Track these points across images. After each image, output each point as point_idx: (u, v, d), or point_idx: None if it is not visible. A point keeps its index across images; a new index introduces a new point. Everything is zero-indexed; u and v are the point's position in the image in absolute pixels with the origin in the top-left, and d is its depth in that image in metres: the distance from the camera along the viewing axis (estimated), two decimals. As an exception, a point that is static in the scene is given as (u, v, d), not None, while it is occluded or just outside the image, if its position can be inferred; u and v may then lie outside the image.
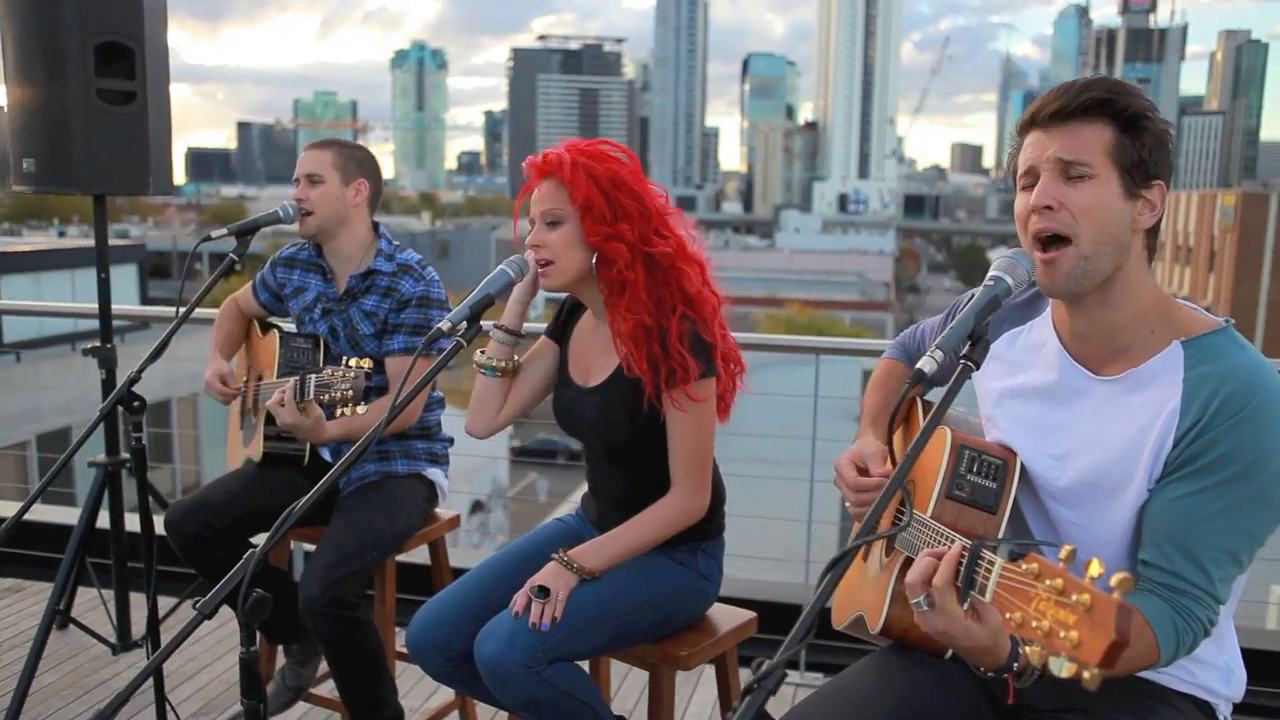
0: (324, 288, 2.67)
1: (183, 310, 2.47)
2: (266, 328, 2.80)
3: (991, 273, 1.45)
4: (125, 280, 21.30)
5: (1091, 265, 1.45)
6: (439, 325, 1.81)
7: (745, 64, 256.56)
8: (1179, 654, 1.43)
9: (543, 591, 1.94)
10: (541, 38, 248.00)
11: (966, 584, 1.25)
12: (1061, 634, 1.05)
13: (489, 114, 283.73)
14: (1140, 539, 1.49)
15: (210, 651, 3.60)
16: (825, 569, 1.25)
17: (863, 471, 1.71)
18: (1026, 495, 1.60)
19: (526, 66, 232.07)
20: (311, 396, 2.23)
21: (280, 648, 2.79)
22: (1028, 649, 1.09)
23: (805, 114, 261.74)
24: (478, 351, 2.15)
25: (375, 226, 2.68)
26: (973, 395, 1.72)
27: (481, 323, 1.87)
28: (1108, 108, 1.44)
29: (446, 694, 3.23)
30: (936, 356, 1.33)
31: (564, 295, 2.21)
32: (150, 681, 3.32)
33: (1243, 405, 1.39)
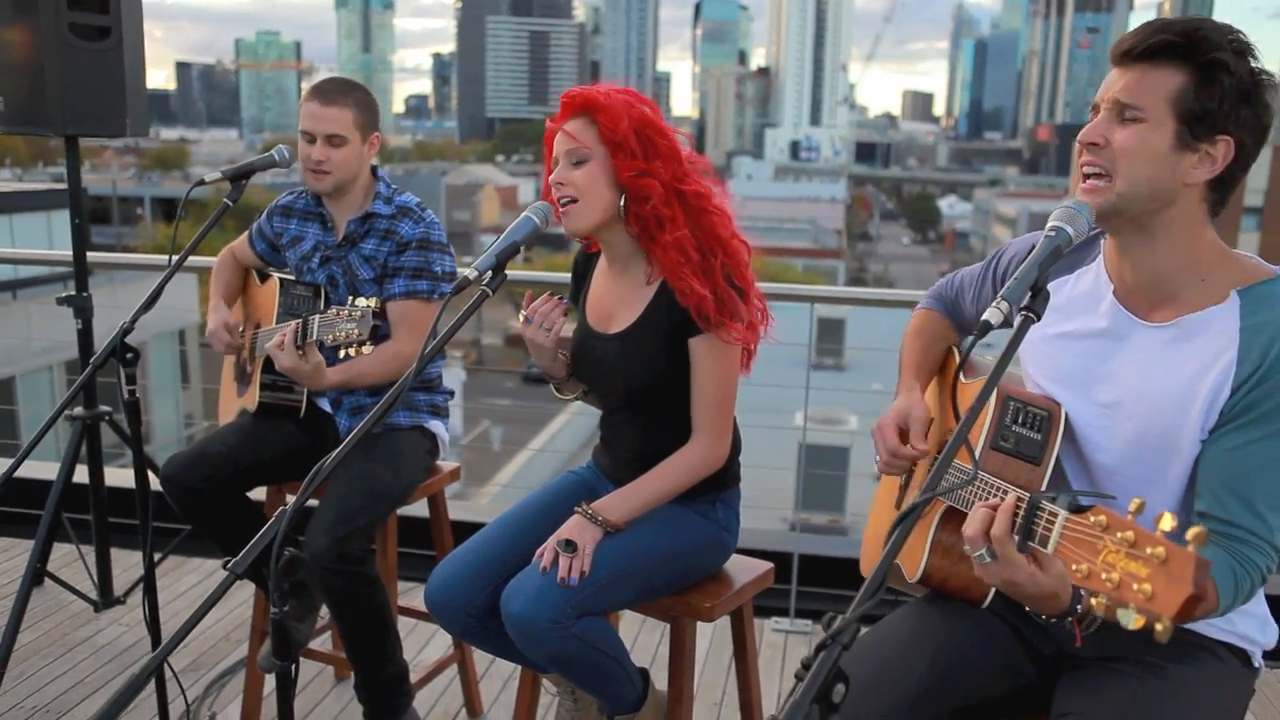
0: (323, 235, 2.59)
1: (176, 259, 2.37)
2: (265, 276, 2.72)
3: (1052, 222, 1.42)
4: (64, 226, 20.72)
5: (1123, 203, 1.45)
6: (465, 273, 1.76)
7: (698, 8, 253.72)
8: (1237, 602, 1.44)
9: (569, 546, 1.92)
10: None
11: (1025, 535, 1.25)
12: (1135, 586, 1.05)
13: (437, 56, 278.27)
14: (1193, 491, 1.49)
15: (192, 608, 3.54)
16: (894, 523, 1.23)
17: (904, 434, 1.70)
18: (1069, 448, 1.59)
19: (475, 8, 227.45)
20: (315, 338, 2.17)
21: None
22: (1094, 600, 1.09)
23: (758, 60, 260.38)
24: (554, 388, 2.20)
25: (374, 169, 2.60)
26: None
27: (507, 272, 1.82)
28: (1181, 51, 1.41)
29: (443, 648, 3.22)
30: (1003, 308, 1.31)
31: (574, 259, 2.20)
32: (140, 640, 3.29)
33: None
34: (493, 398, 30.85)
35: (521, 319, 2.07)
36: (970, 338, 1.34)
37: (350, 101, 2.48)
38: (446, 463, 2.74)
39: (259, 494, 2.63)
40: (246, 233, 2.76)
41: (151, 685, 2.58)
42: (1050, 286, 1.64)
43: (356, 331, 2.08)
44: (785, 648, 3.38)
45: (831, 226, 73.78)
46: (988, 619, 1.64)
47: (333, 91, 2.48)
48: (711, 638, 3.34)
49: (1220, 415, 1.45)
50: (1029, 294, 1.36)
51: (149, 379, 18.88)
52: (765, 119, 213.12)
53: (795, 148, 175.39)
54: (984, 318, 1.31)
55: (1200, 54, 1.40)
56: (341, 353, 2.11)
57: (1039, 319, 1.36)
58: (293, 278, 2.63)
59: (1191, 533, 1.01)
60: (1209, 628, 1.56)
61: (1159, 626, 1.03)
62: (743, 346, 2.03)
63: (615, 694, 2.03)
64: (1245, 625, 1.58)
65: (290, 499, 2.70)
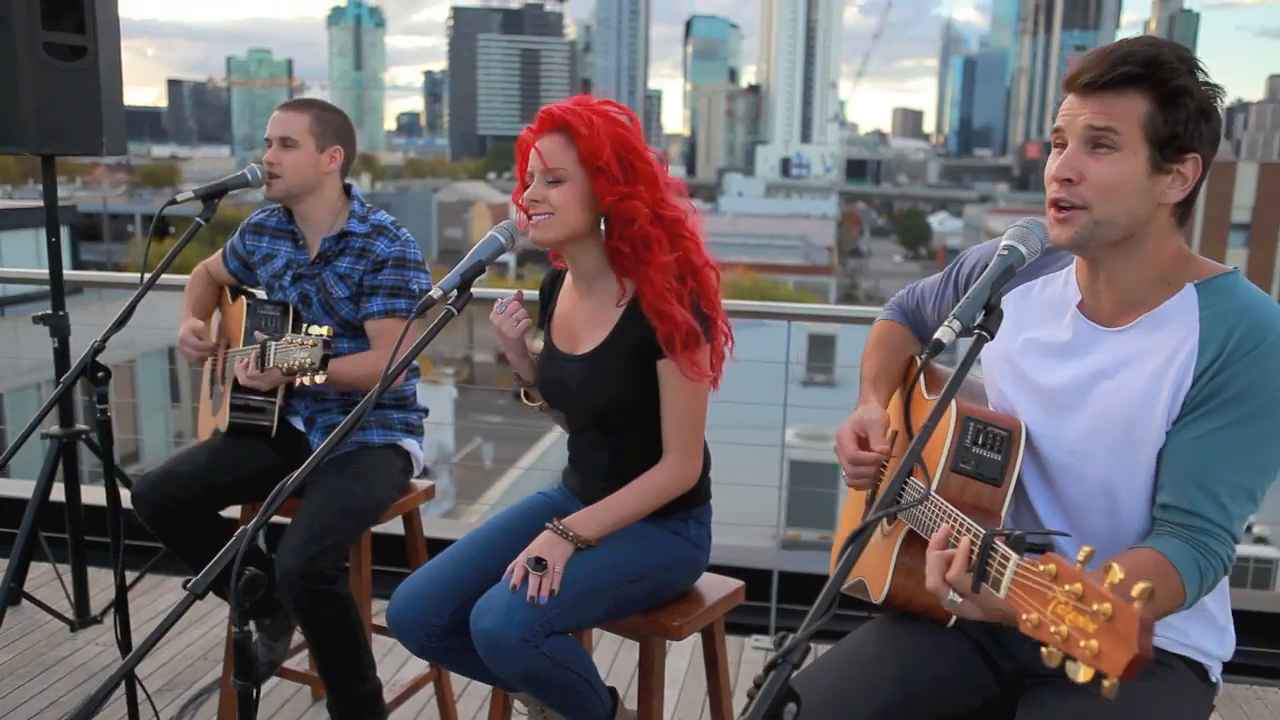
0: (294, 254, 2.60)
1: (148, 276, 2.37)
2: (237, 294, 2.71)
3: (1005, 241, 1.44)
4: (26, 240, 20.70)
5: (1101, 230, 1.45)
6: (430, 293, 1.76)
7: (688, 26, 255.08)
8: (1201, 593, 1.44)
9: (539, 563, 1.91)
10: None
11: (979, 575, 1.24)
12: (1082, 642, 1.03)
13: (429, 74, 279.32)
14: (1160, 481, 1.49)
15: (174, 627, 3.52)
16: (845, 543, 1.24)
17: (863, 443, 1.69)
18: (1028, 458, 1.59)
19: (467, 26, 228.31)
20: (272, 364, 2.18)
21: (253, 623, 2.73)
22: (1044, 650, 1.07)
23: (748, 77, 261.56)
24: (523, 394, 2.22)
25: (347, 189, 2.61)
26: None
27: (472, 290, 1.82)
28: (1145, 80, 1.41)
29: (420, 666, 3.20)
30: (954, 326, 1.32)
31: (541, 282, 2.21)
32: (116, 660, 3.27)
33: (1260, 340, 1.42)
34: (485, 415, 30.77)
35: (495, 306, 2.08)
36: (925, 354, 1.34)
37: (308, 111, 2.52)
38: (421, 480, 2.73)
39: (234, 512, 2.62)
40: (221, 250, 2.76)
41: (124, 706, 2.56)
42: (1018, 290, 1.65)
43: (309, 360, 2.08)
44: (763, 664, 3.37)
45: (822, 243, 74.00)
46: (952, 636, 1.64)
47: (295, 102, 2.55)
48: (690, 657, 3.32)
49: (1183, 405, 1.46)
50: (982, 312, 1.37)
51: (139, 396, 18.83)
52: (756, 136, 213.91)
53: (786, 165, 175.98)
54: (936, 336, 1.32)
55: (1164, 81, 1.41)
56: (297, 380, 2.11)
57: (992, 337, 1.37)
58: (261, 296, 2.63)
59: (1137, 589, 1.00)
60: (1166, 641, 1.56)
61: (1106, 683, 1.02)
62: (710, 368, 2.02)
63: (584, 713, 2.02)
64: (1201, 638, 1.58)
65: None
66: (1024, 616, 1.10)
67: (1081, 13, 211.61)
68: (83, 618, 3.31)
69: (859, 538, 1.24)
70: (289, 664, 2.84)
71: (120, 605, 2.40)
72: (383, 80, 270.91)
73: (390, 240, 2.52)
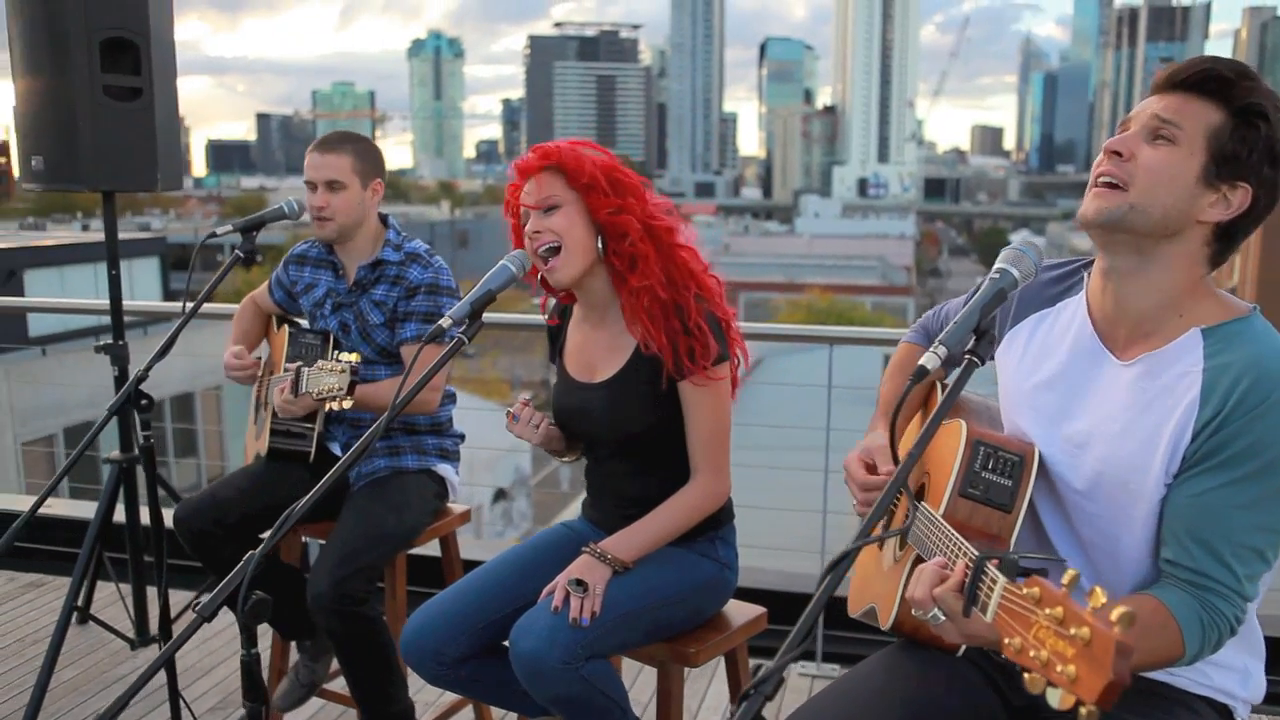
0: (334, 283, 2.67)
1: (190, 306, 2.46)
2: (282, 322, 2.79)
3: (998, 265, 1.41)
4: (147, 274, 21.47)
5: (1134, 216, 1.41)
6: (440, 322, 1.80)
7: (763, 48, 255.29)
8: (1204, 652, 1.39)
9: (580, 585, 1.92)
10: (558, 25, 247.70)
11: (970, 599, 1.21)
12: (1059, 667, 1.00)
13: (506, 102, 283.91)
14: (1162, 536, 1.44)
15: (228, 646, 3.61)
16: (825, 570, 1.23)
17: (871, 469, 1.67)
18: (1044, 489, 1.56)
19: (544, 54, 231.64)
20: (305, 390, 2.24)
21: (294, 644, 2.79)
22: (1027, 676, 1.05)
23: (824, 98, 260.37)
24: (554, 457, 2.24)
25: (384, 218, 2.66)
26: (992, 375, 1.69)
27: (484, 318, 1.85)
28: (1225, 90, 1.39)
29: (460, 688, 3.23)
30: (940, 353, 1.30)
31: (549, 313, 2.24)
32: (165, 677, 3.36)
33: (1265, 396, 1.35)
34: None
35: (509, 417, 2.11)
36: (910, 381, 1.32)
37: (348, 149, 2.56)
38: (458, 505, 2.77)
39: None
40: (267, 281, 2.85)
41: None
42: (1031, 320, 1.62)
43: (338, 385, 2.13)
44: (810, 692, 3.32)
45: (900, 263, 73.05)
46: (962, 666, 1.60)
47: (332, 141, 2.58)
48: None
49: (1183, 460, 1.41)
50: (973, 337, 1.35)
51: (224, 423, 19.39)
52: (832, 157, 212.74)
53: (863, 185, 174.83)
54: (920, 362, 1.30)
55: (1244, 97, 1.39)
56: (326, 405, 2.16)
57: (983, 363, 1.35)
58: (303, 325, 2.70)
59: (1116, 613, 0.97)
60: (1184, 680, 1.51)
61: (1083, 710, 0.99)
62: (728, 380, 2.03)
63: None
64: (1222, 679, 1.52)
65: (306, 540, 2.78)
66: (1006, 641, 1.08)
67: (1167, 24, 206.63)
68: (142, 636, 3.41)
69: (839, 565, 1.23)
70: (331, 686, 2.89)
71: (163, 623, 2.47)
72: (462, 109, 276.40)
73: (423, 268, 2.57)
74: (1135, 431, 1.44)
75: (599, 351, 2.10)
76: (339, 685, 2.98)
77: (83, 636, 3.70)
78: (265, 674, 3.04)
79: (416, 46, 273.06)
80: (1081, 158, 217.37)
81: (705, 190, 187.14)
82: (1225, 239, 1.44)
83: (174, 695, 2.55)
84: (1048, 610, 1.02)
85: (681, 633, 2.07)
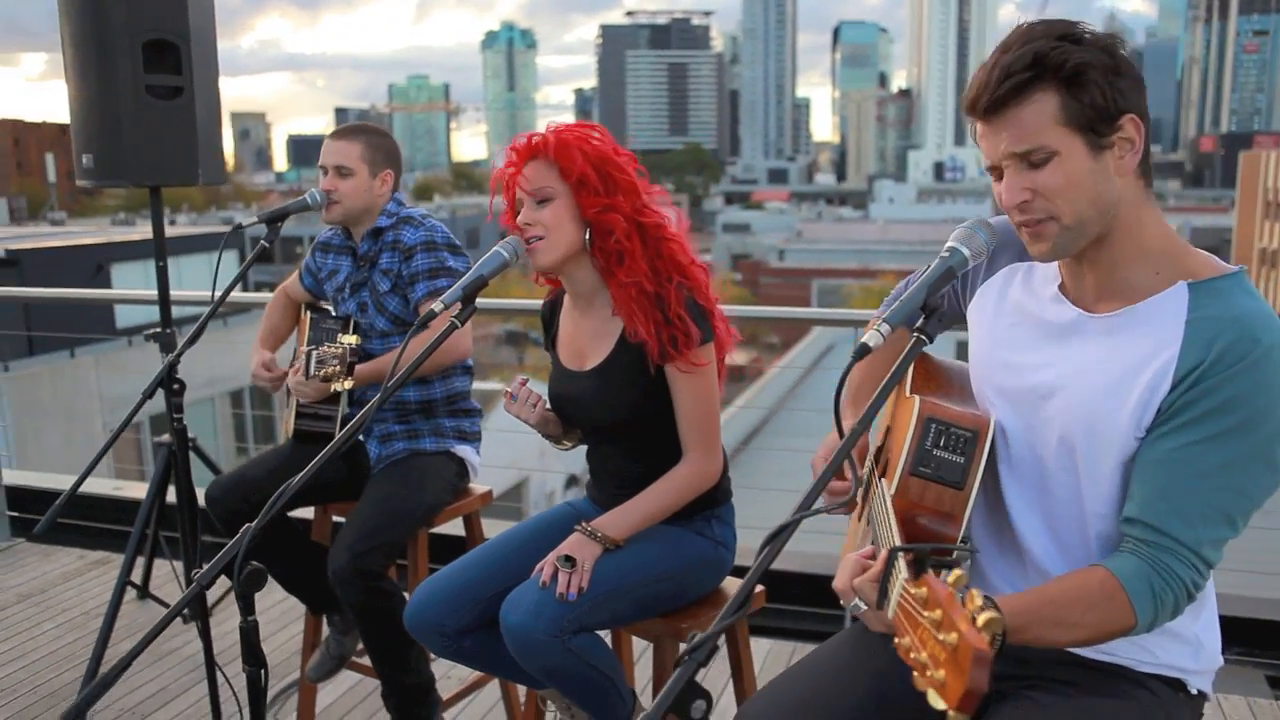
0: (353, 269, 2.75)
1: (217, 296, 2.57)
2: (310, 309, 2.89)
3: (948, 243, 1.41)
4: (229, 265, 22.08)
5: (1077, 232, 1.39)
6: (432, 306, 1.85)
7: (836, 32, 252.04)
8: (1160, 618, 1.36)
9: (569, 561, 1.98)
10: (630, 13, 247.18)
11: (881, 592, 1.22)
12: (929, 671, 1.01)
13: (579, 92, 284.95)
14: (1129, 493, 1.40)
15: (275, 621, 3.75)
16: (763, 542, 1.26)
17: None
18: (1010, 465, 1.55)
19: (615, 43, 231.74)
20: (313, 373, 2.34)
21: (324, 619, 2.89)
22: (914, 676, 1.04)
23: (899, 81, 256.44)
24: (553, 444, 2.29)
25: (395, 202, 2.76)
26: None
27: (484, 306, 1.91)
28: (1039, 79, 1.34)
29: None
30: (883, 330, 1.30)
31: (542, 303, 2.29)
32: (227, 651, 3.50)
33: (1247, 352, 1.31)
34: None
35: (506, 396, 2.17)
36: (851, 359, 1.34)
37: (360, 139, 2.66)
38: (479, 486, 2.84)
39: (308, 513, 2.79)
40: (298, 269, 2.95)
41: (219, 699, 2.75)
42: (1003, 273, 1.60)
43: (337, 367, 2.22)
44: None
45: (977, 247, 71.52)
46: (931, 642, 1.62)
47: (346, 131, 2.69)
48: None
49: (1158, 412, 1.37)
50: (921, 315, 1.36)
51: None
52: (907, 141, 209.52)
53: (939, 169, 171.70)
54: (863, 340, 1.31)
55: (1053, 68, 1.33)
56: (331, 385, 2.25)
57: (931, 340, 1.36)
58: (324, 311, 2.80)
59: (983, 619, 0.98)
60: (1134, 661, 1.49)
61: (950, 715, 0.98)
62: (713, 365, 2.07)
63: (606, 710, 2.07)
64: (1171, 655, 1.50)
65: (335, 518, 2.87)
66: (898, 640, 1.08)
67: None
68: (193, 609, 3.56)
69: (775, 539, 1.26)
70: (367, 661, 2.99)
71: (199, 600, 2.59)
72: (535, 100, 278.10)
73: (414, 228, 2.65)
74: (1106, 378, 1.41)
75: (586, 339, 2.15)
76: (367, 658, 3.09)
77: (143, 611, 3.88)
78: (300, 647, 3.16)
79: (490, 39, 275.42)
80: (1169, 138, 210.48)
81: (778, 177, 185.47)
82: (1143, 159, 1.40)
83: (210, 663, 2.66)
84: (927, 613, 1.02)
85: (676, 609, 2.11)
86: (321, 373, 2.25)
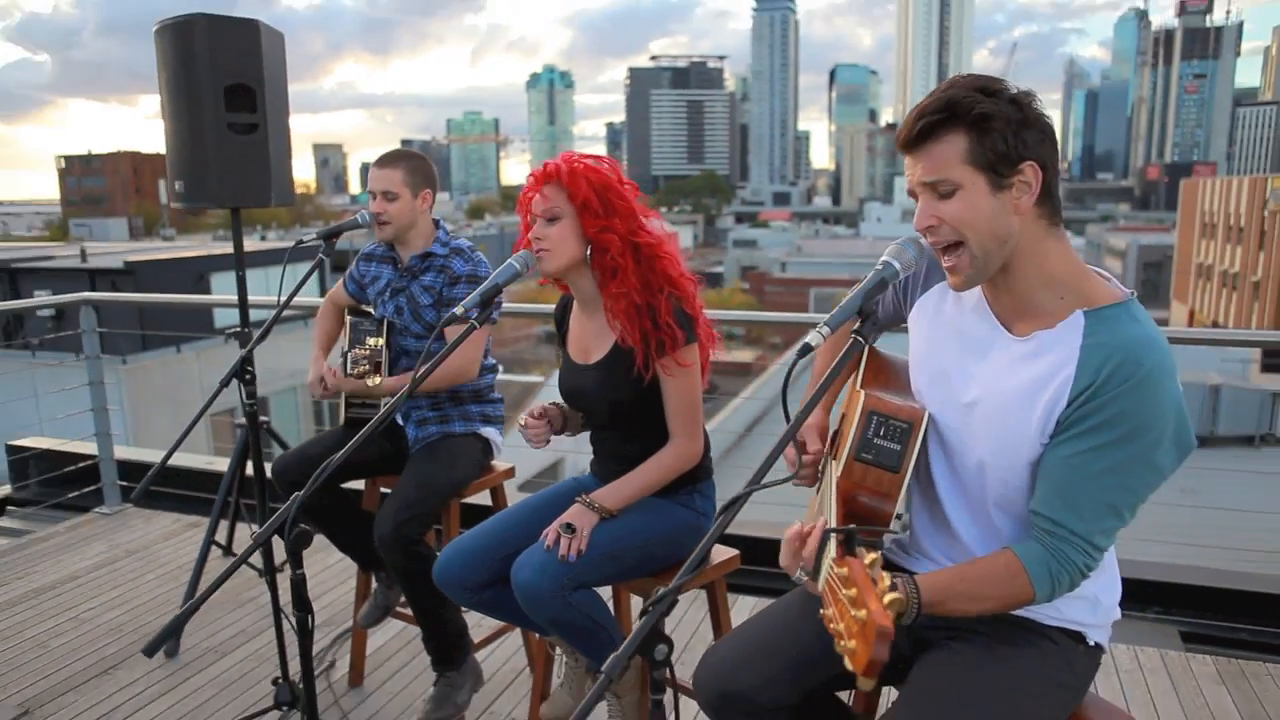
0: (394, 276, 2.78)
1: (282, 300, 2.60)
2: (353, 313, 2.91)
3: (882, 257, 1.42)
4: (313, 276, 22.33)
5: (985, 261, 1.40)
6: (455, 310, 1.88)
7: (832, 74, 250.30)
8: (1056, 592, 1.39)
9: (570, 528, 2.01)
10: (654, 58, 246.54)
11: (815, 568, 1.23)
12: (843, 641, 1.03)
13: (610, 125, 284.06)
14: (1035, 488, 1.43)
15: (336, 576, 3.79)
16: (718, 512, 1.27)
17: (801, 446, 1.67)
18: (938, 446, 1.56)
19: (642, 83, 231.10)
20: (349, 371, 2.37)
21: (373, 575, 2.92)
22: (834, 642, 1.06)
23: (886, 117, 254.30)
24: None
25: (436, 222, 2.77)
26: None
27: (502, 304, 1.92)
28: (950, 122, 1.36)
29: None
30: (823, 332, 1.31)
31: (555, 305, 2.31)
32: (285, 603, 3.54)
33: (1131, 374, 1.33)
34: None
35: (521, 424, 2.20)
36: (795, 359, 1.34)
37: (400, 165, 2.68)
38: (502, 463, 2.86)
39: (359, 485, 2.82)
40: (342, 279, 2.98)
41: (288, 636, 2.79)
42: (936, 290, 1.61)
43: (366, 366, 2.25)
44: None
45: (952, 261, 70.76)
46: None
47: (388, 159, 2.71)
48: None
49: (1058, 424, 1.39)
50: (858, 319, 1.37)
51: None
52: (894, 169, 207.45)
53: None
54: (805, 340, 1.31)
55: (963, 114, 1.35)
56: (365, 383, 2.29)
57: (867, 342, 1.37)
58: (363, 314, 2.82)
59: (889, 598, 0.99)
60: (1040, 615, 1.51)
61: (860, 680, 1.00)
62: (699, 362, 2.08)
63: (601, 655, 2.10)
64: (1072, 610, 1.51)
65: (382, 489, 2.91)
66: (822, 610, 1.10)
67: (1201, 44, 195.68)
68: (269, 566, 3.59)
69: (730, 507, 1.28)
70: (409, 610, 3.02)
71: (268, 557, 2.63)
72: (572, 132, 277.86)
73: (464, 260, 2.67)
74: (1016, 395, 1.43)
75: (591, 337, 2.17)
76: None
77: (226, 566, 3.92)
78: (353, 598, 3.20)
79: (534, 79, 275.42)
80: (1120, 166, 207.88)
81: (782, 199, 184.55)
82: (1048, 199, 1.40)
83: (276, 610, 2.70)
84: (845, 590, 1.04)
85: (663, 569, 2.13)
86: (355, 371, 2.29)
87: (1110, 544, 1.42)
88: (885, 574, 1.01)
